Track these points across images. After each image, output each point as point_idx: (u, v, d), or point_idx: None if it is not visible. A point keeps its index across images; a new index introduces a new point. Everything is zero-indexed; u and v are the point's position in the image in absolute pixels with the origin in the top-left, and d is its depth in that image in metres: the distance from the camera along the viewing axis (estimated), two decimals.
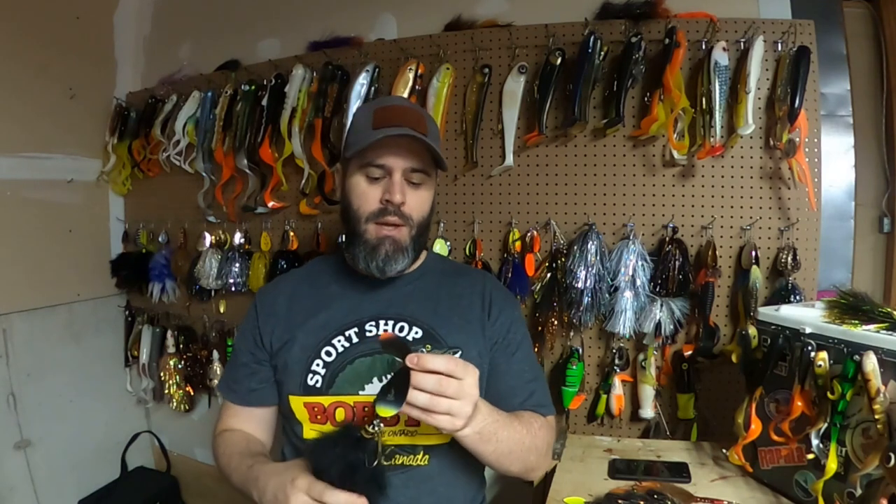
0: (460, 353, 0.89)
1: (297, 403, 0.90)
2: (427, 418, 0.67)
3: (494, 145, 1.43)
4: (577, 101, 1.27)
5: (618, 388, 1.34)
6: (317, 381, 0.89)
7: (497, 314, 0.96)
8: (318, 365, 0.89)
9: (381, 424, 0.74)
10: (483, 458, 0.81)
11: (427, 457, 0.89)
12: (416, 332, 0.91)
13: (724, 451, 1.09)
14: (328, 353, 0.90)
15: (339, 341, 0.90)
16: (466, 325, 0.94)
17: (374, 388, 0.88)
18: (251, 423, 0.98)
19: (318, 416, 0.89)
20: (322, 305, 0.94)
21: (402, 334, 0.91)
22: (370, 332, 0.91)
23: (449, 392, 0.65)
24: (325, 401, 0.89)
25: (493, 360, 0.94)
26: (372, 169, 0.88)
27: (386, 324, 0.91)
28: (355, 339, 0.90)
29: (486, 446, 0.77)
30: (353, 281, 0.96)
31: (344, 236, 0.97)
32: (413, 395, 0.65)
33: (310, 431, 0.91)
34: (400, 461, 0.88)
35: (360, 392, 0.88)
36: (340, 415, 0.88)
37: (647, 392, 1.31)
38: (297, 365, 0.90)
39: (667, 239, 1.29)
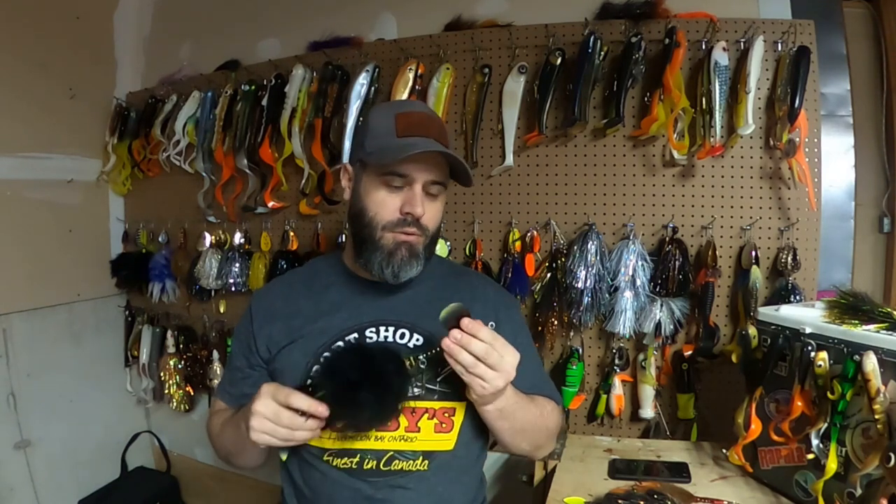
0: None
1: None
2: (464, 374, 0.75)
3: (494, 145, 1.43)
4: (577, 101, 1.27)
5: (618, 388, 1.34)
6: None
7: (504, 321, 0.96)
8: (316, 371, 0.88)
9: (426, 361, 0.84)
10: (497, 434, 0.89)
11: (426, 462, 0.88)
12: (417, 339, 0.90)
13: (724, 451, 1.09)
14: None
15: (338, 347, 0.89)
16: None
17: None
18: None
19: None
20: (322, 310, 0.93)
21: (403, 341, 0.90)
22: (370, 337, 0.90)
23: (489, 361, 0.74)
24: None
25: None
26: (394, 178, 0.86)
27: (386, 330, 0.90)
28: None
29: (503, 423, 0.85)
30: (353, 284, 0.95)
31: (350, 238, 0.95)
32: (460, 354, 0.73)
33: None
34: (399, 466, 0.87)
35: None
36: None
37: (647, 392, 1.31)
38: (296, 370, 0.89)
39: (667, 239, 1.29)
